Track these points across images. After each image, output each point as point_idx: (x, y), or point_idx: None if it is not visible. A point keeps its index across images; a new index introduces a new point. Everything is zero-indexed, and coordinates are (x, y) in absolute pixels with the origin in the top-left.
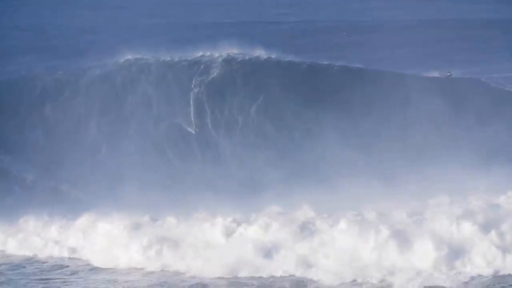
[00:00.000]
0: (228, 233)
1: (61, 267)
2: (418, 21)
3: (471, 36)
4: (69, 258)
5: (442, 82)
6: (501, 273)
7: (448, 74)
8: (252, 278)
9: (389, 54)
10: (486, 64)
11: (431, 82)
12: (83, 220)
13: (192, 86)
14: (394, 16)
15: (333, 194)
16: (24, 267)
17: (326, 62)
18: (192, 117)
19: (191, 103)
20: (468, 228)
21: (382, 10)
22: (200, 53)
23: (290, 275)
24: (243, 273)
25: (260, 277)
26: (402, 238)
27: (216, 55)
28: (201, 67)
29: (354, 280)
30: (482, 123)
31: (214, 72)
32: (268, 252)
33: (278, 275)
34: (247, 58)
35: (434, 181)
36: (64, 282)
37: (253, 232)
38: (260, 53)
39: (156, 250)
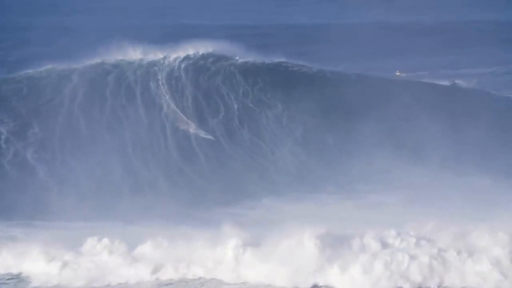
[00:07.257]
0: None
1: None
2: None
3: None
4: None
5: (448, 89)
6: None
7: (452, 82)
8: None
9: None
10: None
11: (438, 89)
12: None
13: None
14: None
15: None
16: None
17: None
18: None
19: (170, 100)
20: None
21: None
22: (180, 53)
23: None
24: None
25: None
26: None
27: (192, 53)
28: (191, 67)
29: None
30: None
31: (203, 73)
32: None
33: None
34: (238, 60)
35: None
36: None
37: None
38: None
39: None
